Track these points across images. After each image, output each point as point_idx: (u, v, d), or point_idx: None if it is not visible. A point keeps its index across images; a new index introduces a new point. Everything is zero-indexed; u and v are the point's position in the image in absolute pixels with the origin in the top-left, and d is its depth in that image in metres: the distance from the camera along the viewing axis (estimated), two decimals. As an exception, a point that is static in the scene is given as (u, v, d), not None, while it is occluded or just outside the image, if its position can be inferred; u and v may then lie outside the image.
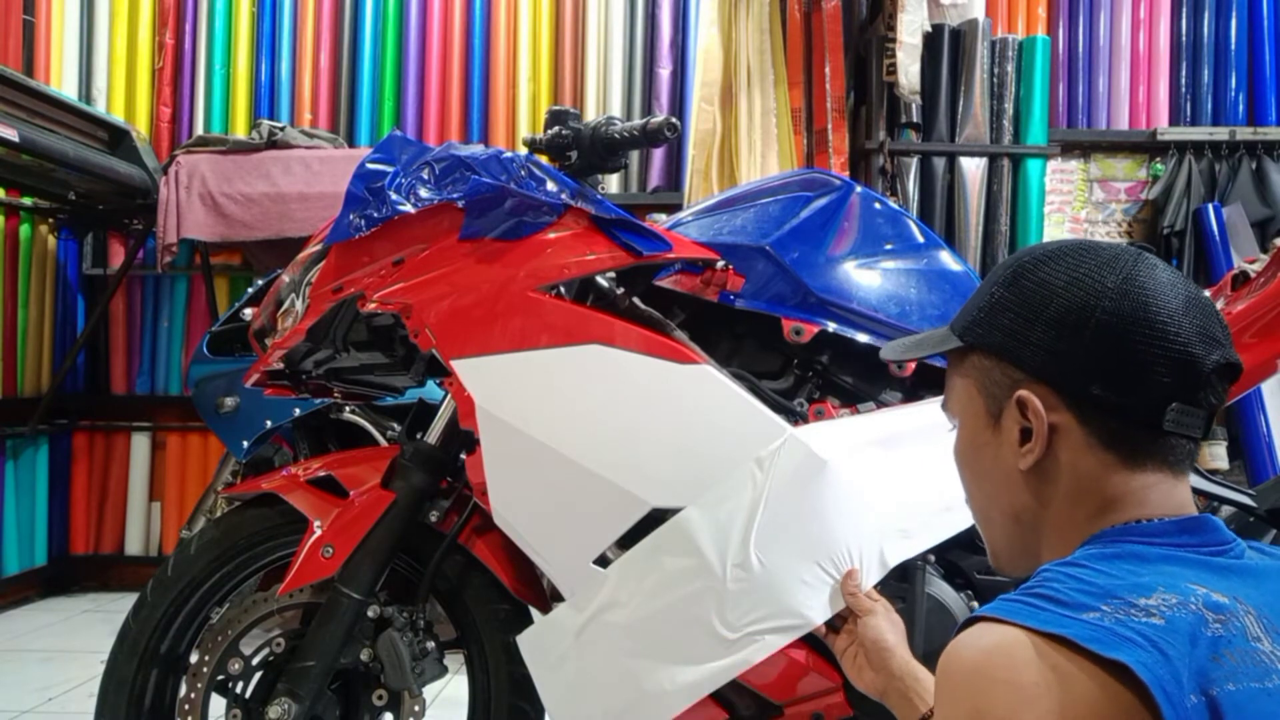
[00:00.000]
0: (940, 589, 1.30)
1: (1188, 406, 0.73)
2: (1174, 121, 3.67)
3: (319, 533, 1.40)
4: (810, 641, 1.23)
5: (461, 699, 1.51)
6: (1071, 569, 0.70)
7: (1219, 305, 1.51)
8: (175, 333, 4.04)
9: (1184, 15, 3.69)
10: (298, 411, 2.61)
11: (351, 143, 3.86)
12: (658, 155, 3.84)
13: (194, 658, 1.44)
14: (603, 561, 1.27)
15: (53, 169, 3.21)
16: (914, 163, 3.24)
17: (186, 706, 1.42)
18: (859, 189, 1.48)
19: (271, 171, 3.32)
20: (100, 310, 3.83)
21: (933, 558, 1.31)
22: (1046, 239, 3.42)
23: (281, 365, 1.52)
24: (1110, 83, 3.69)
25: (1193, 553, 0.72)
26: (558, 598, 1.31)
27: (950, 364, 0.87)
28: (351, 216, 1.35)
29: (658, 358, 1.26)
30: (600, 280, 1.41)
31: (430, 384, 1.63)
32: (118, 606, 3.62)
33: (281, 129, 3.41)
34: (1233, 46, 3.64)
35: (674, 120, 1.36)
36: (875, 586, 1.20)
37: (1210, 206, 3.39)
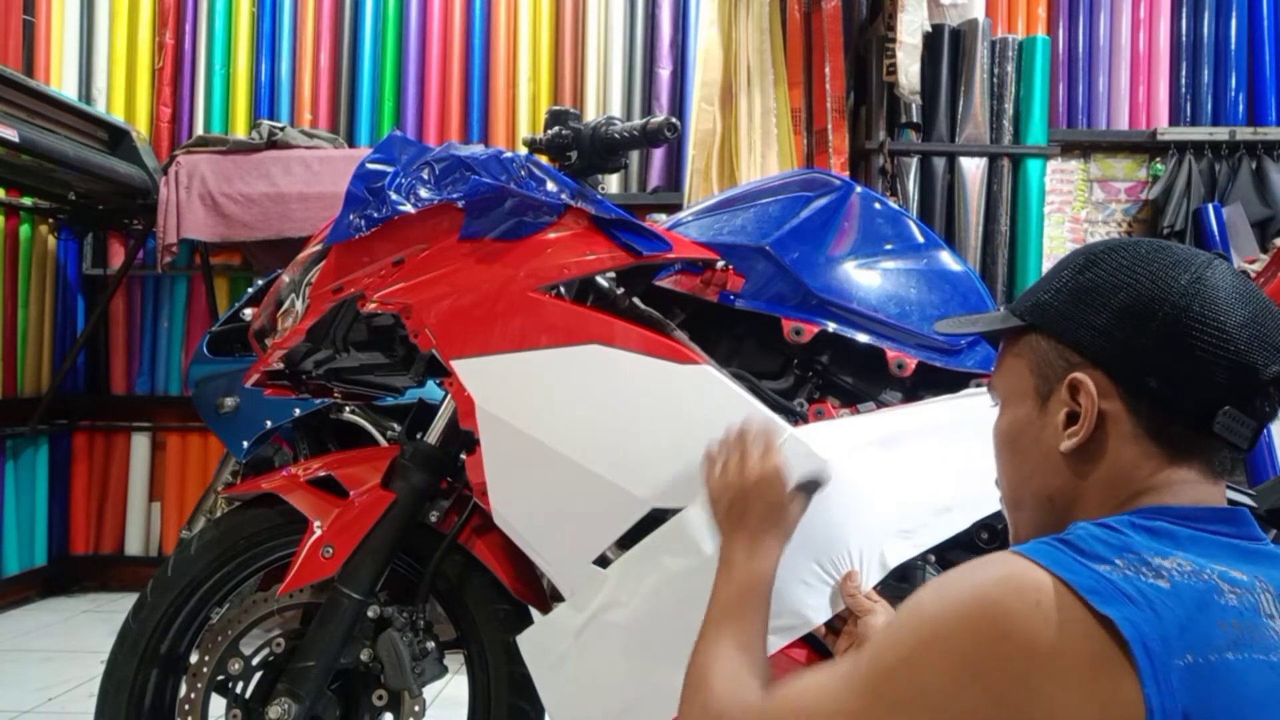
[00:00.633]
0: (940, 589, 1.30)
1: (1239, 413, 0.75)
2: (1174, 121, 3.67)
3: (319, 533, 1.40)
4: (810, 642, 1.23)
5: (461, 699, 1.51)
6: (1102, 527, 0.72)
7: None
8: (175, 333, 4.05)
9: (1184, 15, 3.69)
10: (298, 411, 2.62)
11: (351, 143, 3.87)
12: (658, 155, 3.84)
13: (194, 658, 1.44)
14: (603, 561, 1.27)
15: (53, 169, 3.21)
16: (914, 163, 3.23)
17: (186, 707, 1.42)
18: (859, 189, 1.48)
19: (271, 171, 3.32)
20: (100, 310, 3.83)
21: (933, 558, 1.31)
22: (1046, 239, 3.43)
23: (281, 365, 1.52)
24: (1110, 83, 3.69)
25: (1224, 538, 0.73)
26: (558, 598, 1.31)
27: (1006, 343, 0.88)
28: (351, 216, 1.35)
29: (657, 358, 1.26)
30: (600, 280, 1.41)
31: (430, 384, 1.63)
32: (118, 606, 3.62)
33: (281, 129, 3.42)
34: (1233, 46, 3.64)
35: (674, 120, 1.36)
36: (875, 587, 1.20)
37: (1210, 206, 3.39)
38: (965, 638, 0.69)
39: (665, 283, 1.48)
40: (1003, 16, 3.68)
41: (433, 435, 1.45)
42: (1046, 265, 3.43)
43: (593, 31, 3.90)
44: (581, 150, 1.40)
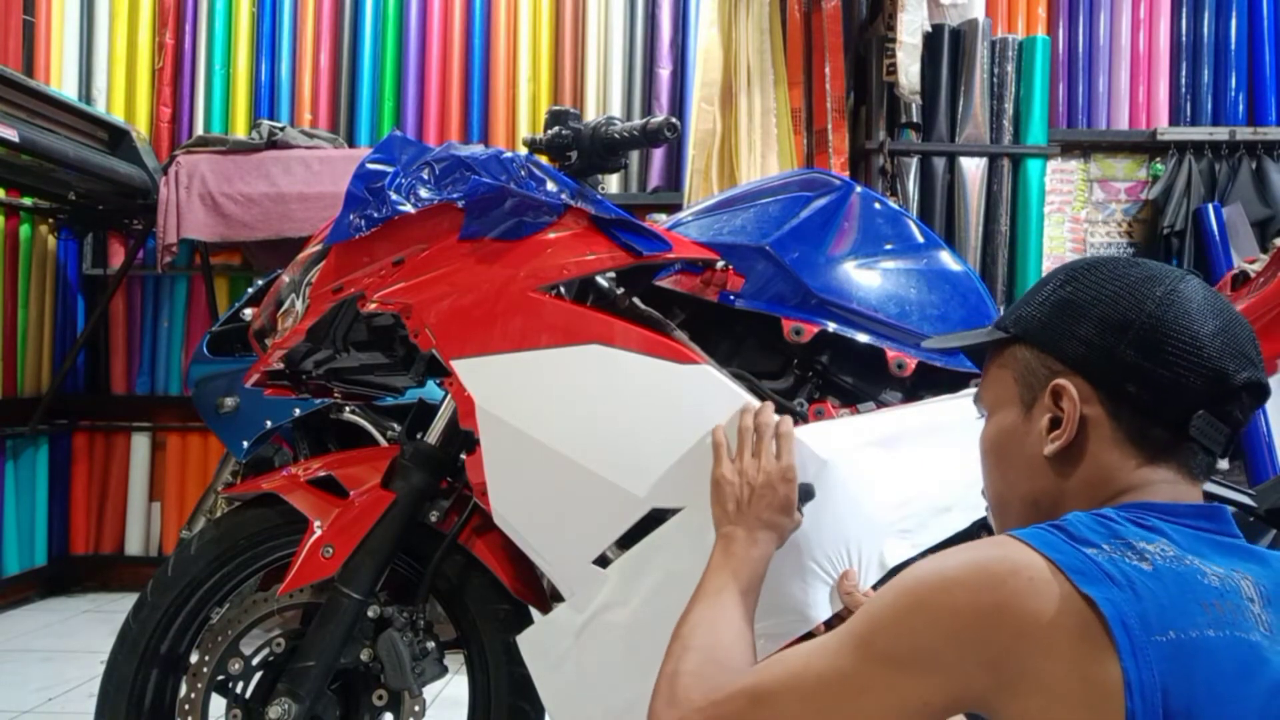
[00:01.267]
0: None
1: (1214, 419, 0.80)
2: (1174, 121, 3.67)
3: (319, 533, 1.40)
4: (809, 641, 1.23)
5: (461, 699, 1.51)
6: (1093, 515, 0.76)
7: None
8: (175, 333, 4.05)
9: (1184, 15, 3.69)
10: (298, 411, 2.62)
11: (351, 143, 3.87)
12: (658, 155, 3.84)
13: (194, 658, 1.44)
14: (603, 561, 1.27)
15: (53, 169, 3.21)
16: (914, 163, 3.23)
17: (186, 707, 1.42)
18: (859, 189, 1.48)
19: (271, 171, 3.32)
20: (100, 310, 3.83)
21: (933, 558, 1.31)
22: (1046, 239, 3.43)
23: (281, 365, 1.52)
24: (1110, 83, 3.69)
25: (1204, 533, 0.77)
26: (558, 598, 1.31)
27: (991, 356, 0.93)
28: (352, 216, 1.35)
29: (657, 357, 1.26)
30: (600, 280, 1.41)
31: (430, 384, 1.63)
32: (118, 606, 3.62)
33: (281, 129, 3.42)
34: (1233, 46, 3.64)
35: (674, 120, 1.36)
36: (874, 586, 1.20)
37: (1210, 206, 3.39)
38: (963, 602, 0.72)
39: (665, 283, 1.48)
40: (1003, 16, 3.68)
41: (433, 435, 1.45)
42: (1046, 265, 3.43)
43: (593, 31, 3.90)
44: (581, 150, 1.40)
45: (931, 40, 3.21)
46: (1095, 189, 3.69)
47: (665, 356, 1.26)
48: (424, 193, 1.33)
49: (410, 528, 1.42)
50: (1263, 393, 0.81)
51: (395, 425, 2.66)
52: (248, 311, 2.28)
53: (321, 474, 1.48)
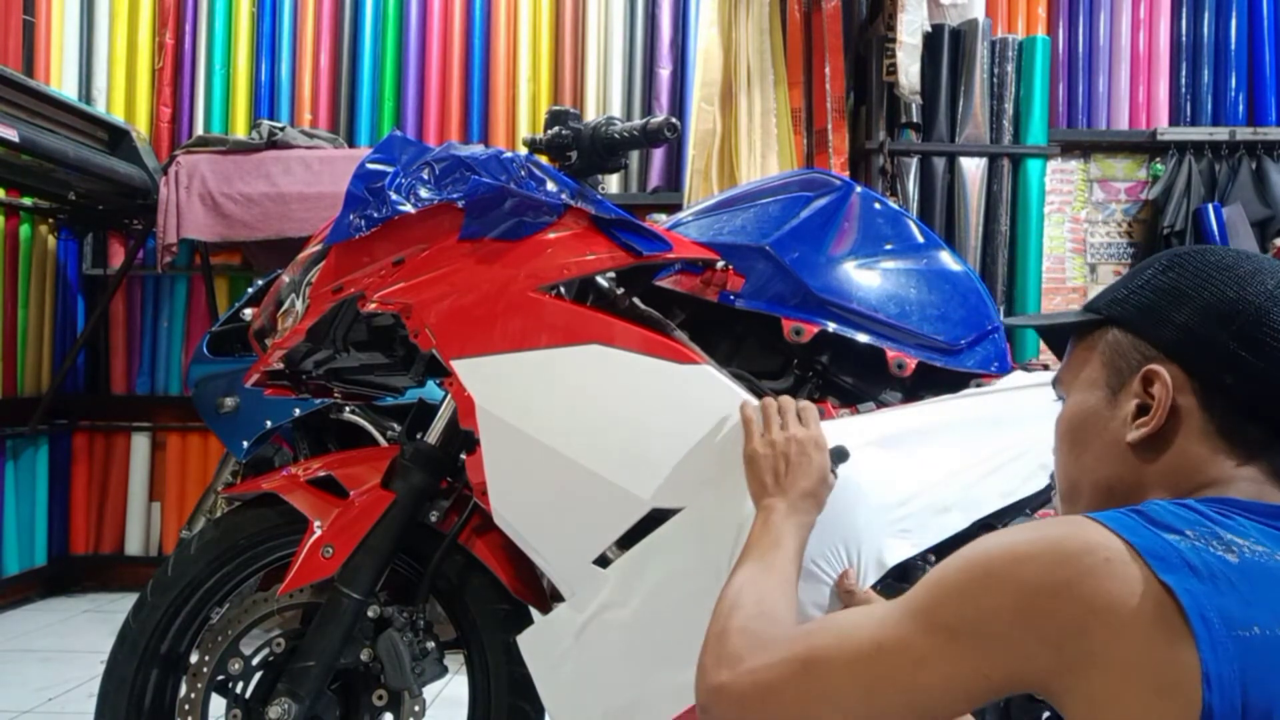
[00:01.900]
0: (940, 589, 1.30)
1: None
2: (1174, 121, 3.67)
3: (319, 533, 1.40)
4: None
5: (461, 699, 1.51)
6: (1176, 503, 0.73)
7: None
8: (175, 333, 4.05)
9: (1184, 15, 3.69)
10: (298, 411, 2.62)
11: (351, 143, 3.87)
12: (658, 155, 3.84)
13: (194, 658, 1.44)
14: (603, 561, 1.27)
15: (53, 169, 3.21)
16: (914, 163, 3.24)
17: (186, 707, 1.42)
18: (859, 189, 1.48)
19: (271, 171, 3.32)
20: (100, 310, 3.83)
21: (933, 558, 1.31)
22: (1046, 239, 3.44)
23: (281, 365, 1.52)
24: (1110, 83, 3.69)
25: None
26: (558, 598, 1.31)
27: (1077, 339, 0.89)
28: (352, 217, 1.35)
29: (657, 358, 1.26)
30: (600, 280, 1.41)
31: (430, 384, 1.63)
32: (118, 606, 3.62)
33: (281, 129, 3.42)
34: (1233, 46, 3.65)
35: (674, 120, 1.36)
36: (874, 586, 1.20)
37: (1210, 206, 3.40)
38: (1032, 576, 0.69)
39: (665, 283, 1.48)
40: (1003, 16, 3.68)
41: (433, 435, 1.45)
42: (1046, 265, 3.44)
43: (593, 31, 3.90)
44: (581, 150, 1.40)
45: (931, 40, 3.21)
46: (1095, 189, 3.69)
47: (665, 356, 1.26)
48: (424, 193, 1.33)
49: (410, 528, 1.42)
50: None
51: (395, 425, 2.66)
52: (248, 311, 2.28)
53: (321, 474, 1.48)
